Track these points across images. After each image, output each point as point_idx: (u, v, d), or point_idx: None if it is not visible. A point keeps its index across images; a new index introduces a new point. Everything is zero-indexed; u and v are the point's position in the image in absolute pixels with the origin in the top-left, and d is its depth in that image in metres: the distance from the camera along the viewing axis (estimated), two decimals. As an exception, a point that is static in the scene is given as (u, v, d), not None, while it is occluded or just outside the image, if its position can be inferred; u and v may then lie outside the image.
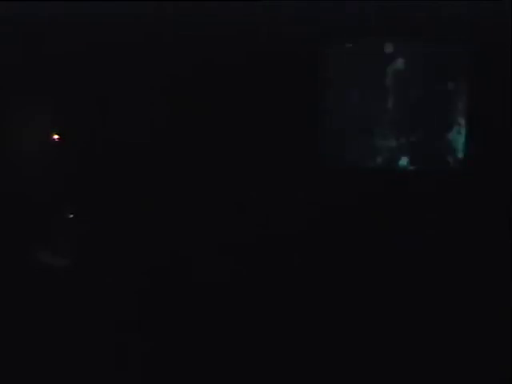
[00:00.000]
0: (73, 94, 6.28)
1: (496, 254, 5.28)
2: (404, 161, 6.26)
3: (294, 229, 5.64)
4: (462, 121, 6.14)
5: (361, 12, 6.00)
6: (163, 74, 6.21)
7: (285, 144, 6.14)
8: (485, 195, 5.76)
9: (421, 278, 5.22)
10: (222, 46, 6.13)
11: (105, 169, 6.18)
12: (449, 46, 6.10)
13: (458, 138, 6.16)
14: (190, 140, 6.21)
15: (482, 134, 6.01)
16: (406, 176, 6.20)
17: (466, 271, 5.22)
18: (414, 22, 5.97)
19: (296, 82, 6.13)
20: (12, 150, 6.24)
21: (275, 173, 6.08)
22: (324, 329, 4.95)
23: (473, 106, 6.06)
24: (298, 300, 5.14)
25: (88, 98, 6.29)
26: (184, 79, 6.23)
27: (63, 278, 5.31)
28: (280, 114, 6.15)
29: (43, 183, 6.12)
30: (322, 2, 5.95)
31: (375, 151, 6.28)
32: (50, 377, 4.72)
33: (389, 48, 6.18)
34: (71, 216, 5.83)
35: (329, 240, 5.51)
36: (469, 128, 6.09)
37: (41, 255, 5.51)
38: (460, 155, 6.15)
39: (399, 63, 6.19)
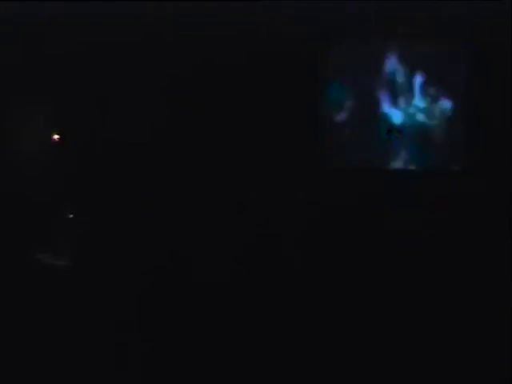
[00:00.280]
0: (73, 94, 6.29)
1: (496, 253, 5.28)
2: (404, 161, 6.26)
3: (294, 229, 5.64)
4: (462, 121, 6.15)
5: (361, 12, 6.01)
6: (163, 74, 6.22)
7: (285, 144, 6.15)
8: (485, 195, 5.76)
9: (421, 278, 5.22)
10: (222, 46, 6.14)
11: (105, 169, 6.19)
12: (449, 46, 6.11)
13: (458, 137, 6.16)
14: (189, 140, 6.22)
15: (482, 134, 6.01)
16: (405, 176, 6.20)
17: (466, 271, 5.21)
18: (413, 21, 5.98)
19: (296, 82, 6.14)
20: (12, 149, 6.25)
21: (275, 173, 6.09)
22: (324, 328, 4.95)
23: (473, 106, 6.06)
24: (298, 300, 5.13)
25: (88, 98, 6.30)
26: (184, 79, 6.23)
27: (63, 278, 5.31)
28: (280, 114, 6.15)
29: (43, 183, 6.13)
30: (322, 2, 5.95)
31: (375, 151, 6.29)
32: (50, 377, 4.71)
33: (389, 48, 6.19)
34: (71, 216, 5.83)
35: (329, 240, 5.51)
36: (469, 128, 6.09)
37: (41, 255, 5.50)
38: (460, 155, 6.16)
39: (399, 63, 6.20)
